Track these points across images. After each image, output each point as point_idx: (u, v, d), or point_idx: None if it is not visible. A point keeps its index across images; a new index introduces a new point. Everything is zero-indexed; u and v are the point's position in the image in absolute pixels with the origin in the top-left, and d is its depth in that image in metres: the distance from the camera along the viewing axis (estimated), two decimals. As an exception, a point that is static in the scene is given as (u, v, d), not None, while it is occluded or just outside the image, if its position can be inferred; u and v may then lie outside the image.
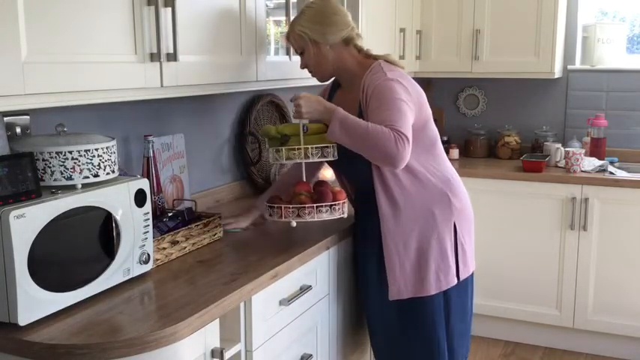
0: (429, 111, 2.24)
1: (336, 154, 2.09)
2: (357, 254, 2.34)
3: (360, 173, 2.19)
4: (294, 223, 2.10)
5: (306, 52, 2.18)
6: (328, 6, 2.18)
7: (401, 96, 2.04)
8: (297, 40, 2.18)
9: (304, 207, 2.07)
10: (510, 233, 3.54)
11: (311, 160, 2.06)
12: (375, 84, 2.08)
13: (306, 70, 2.27)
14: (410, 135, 1.99)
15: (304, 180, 2.18)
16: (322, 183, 2.23)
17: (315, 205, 2.08)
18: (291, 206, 2.08)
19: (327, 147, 2.06)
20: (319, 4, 2.19)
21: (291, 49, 2.50)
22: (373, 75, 2.12)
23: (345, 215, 2.16)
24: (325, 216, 2.09)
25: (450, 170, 2.27)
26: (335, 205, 2.11)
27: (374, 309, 2.29)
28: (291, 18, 2.49)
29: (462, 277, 2.24)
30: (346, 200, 2.19)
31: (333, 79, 2.33)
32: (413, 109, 2.07)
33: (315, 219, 2.08)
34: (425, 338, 2.22)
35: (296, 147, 2.03)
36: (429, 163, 2.19)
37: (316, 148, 2.04)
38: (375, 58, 2.22)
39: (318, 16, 2.15)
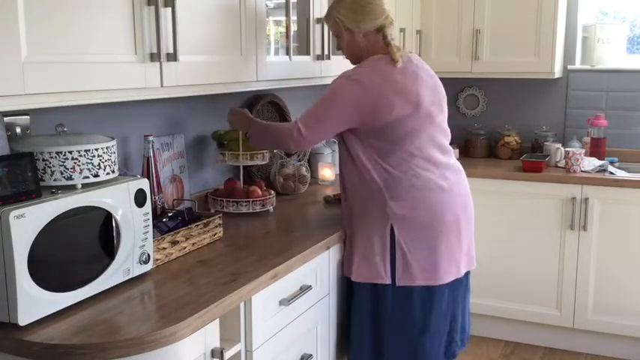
0: (404, 110, 2.13)
1: (266, 158, 2.54)
2: None
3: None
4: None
5: (341, 38, 2.27)
6: None
7: (335, 98, 2.15)
8: (333, 26, 2.28)
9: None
10: (510, 233, 3.53)
11: (242, 164, 2.52)
12: (336, 78, 2.21)
13: (306, 71, 2.28)
14: (307, 130, 2.15)
15: (240, 179, 2.61)
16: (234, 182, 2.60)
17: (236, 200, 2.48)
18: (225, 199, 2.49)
19: (257, 154, 2.52)
20: None
21: (291, 50, 2.51)
22: (355, 68, 2.23)
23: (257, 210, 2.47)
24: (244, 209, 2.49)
25: (411, 173, 2.18)
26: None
27: None
28: (291, 18, 2.50)
29: (400, 282, 2.18)
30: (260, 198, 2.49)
31: None
32: (345, 114, 2.14)
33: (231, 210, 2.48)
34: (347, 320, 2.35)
35: (236, 152, 2.49)
36: (382, 160, 2.17)
37: (250, 154, 2.50)
38: (392, 48, 2.22)
39: (355, 5, 2.20)
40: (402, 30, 3.51)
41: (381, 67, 2.17)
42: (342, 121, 2.16)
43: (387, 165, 2.18)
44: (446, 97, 2.33)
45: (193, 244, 2.03)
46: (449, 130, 2.32)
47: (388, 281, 2.19)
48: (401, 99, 2.13)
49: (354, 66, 2.28)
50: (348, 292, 2.33)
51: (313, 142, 2.25)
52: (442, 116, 2.28)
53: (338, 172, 2.67)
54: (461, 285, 2.31)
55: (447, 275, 2.22)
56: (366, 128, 2.16)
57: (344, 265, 2.31)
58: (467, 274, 2.36)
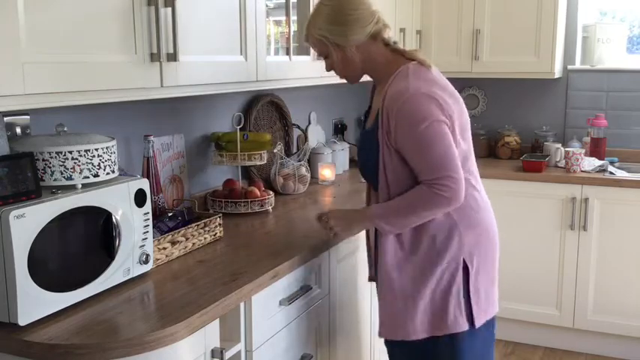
0: (464, 119, 1.89)
1: (264, 158, 2.53)
2: None
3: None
4: None
5: (330, 56, 1.93)
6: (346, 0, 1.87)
7: (431, 124, 1.75)
8: (317, 45, 1.93)
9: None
10: (510, 233, 3.53)
11: (240, 165, 2.52)
12: (398, 103, 1.78)
13: (306, 70, 2.26)
14: (452, 169, 1.76)
15: (239, 179, 2.62)
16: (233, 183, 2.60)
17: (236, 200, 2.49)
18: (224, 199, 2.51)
19: (255, 154, 2.52)
20: None
21: (291, 50, 2.51)
22: (397, 83, 1.82)
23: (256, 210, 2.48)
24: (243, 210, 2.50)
25: (470, 193, 1.89)
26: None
27: None
28: (291, 18, 2.50)
29: (478, 323, 1.91)
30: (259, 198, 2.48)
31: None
32: (448, 129, 1.79)
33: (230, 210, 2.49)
34: None
35: (234, 153, 2.49)
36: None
37: (247, 154, 2.51)
38: (403, 53, 1.93)
39: (337, 15, 1.86)
40: (402, 30, 3.51)
41: (427, 76, 1.85)
42: (448, 136, 1.79)
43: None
44: None
45: (193, 244, 2.03)
46: None
47: (466, 327, 1.88)
48: (458, 106, 1.88)
49: (355, 84, 2.03)
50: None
51: (461, 174, 1.79)
52: None
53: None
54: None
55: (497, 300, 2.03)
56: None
57: (389, 327, 1.93)
58: None
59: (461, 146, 1.86)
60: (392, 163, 1.84)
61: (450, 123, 1.80)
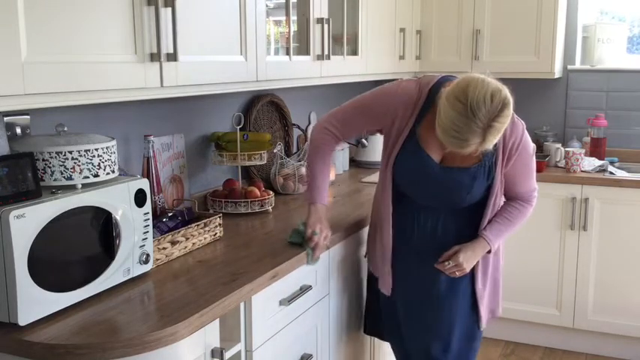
0: None
1: (264, 158, 2.54)
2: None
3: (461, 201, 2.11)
4: None
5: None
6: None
7: (533, 151, 2.10)
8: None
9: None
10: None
11: (240, 165, 2.53)
12: (518, 136, 2.02)
13: (306, 70, 2.25)
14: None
15: (239, 180, 2.61)
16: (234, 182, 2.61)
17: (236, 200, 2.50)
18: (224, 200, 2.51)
19: (254, 154, 2.53)
20: None
21: (291, 50, 2.51)
22: (514, 125, 2.00)
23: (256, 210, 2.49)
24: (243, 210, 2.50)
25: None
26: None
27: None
28: (291, 18, 2.50)
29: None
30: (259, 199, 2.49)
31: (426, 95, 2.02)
32: None
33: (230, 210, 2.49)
34: None
35: (234, 153, 2.51)
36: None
37: (247, 154, 2.52)
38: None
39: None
40: (402, 30, 3.52)
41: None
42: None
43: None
44: None
45: (193, 244, 2.03)
46: None
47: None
48: None
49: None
50: None
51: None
52: None
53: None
54: None
55: None
56: None
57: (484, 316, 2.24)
58: None
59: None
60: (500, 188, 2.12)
61: None
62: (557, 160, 3.66)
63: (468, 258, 2.08)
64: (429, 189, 2.10)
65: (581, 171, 3.46)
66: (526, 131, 2.05)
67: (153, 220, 1.81)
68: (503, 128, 1.81)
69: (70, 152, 1.56)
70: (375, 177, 3.15)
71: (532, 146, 2.08)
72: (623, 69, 3.81)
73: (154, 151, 2.14)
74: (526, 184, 2.12)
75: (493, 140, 1.81)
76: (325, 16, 2.66)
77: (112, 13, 1.64)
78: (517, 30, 3.64)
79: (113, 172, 1.67)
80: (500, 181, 2.08)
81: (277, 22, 2.55)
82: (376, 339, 2.62)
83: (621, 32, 3.87)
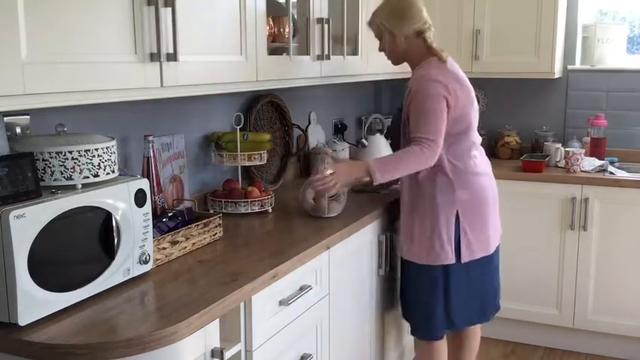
0: (469, 107, 2.47)
1: (264, 158, 2.56)
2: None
3: None
4: None
5: (383, 40, 2.53)
6: (406, 0, 2.50)
7: (432, 97, 2.36)
8: (376, 29, 2.55)
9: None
10: (510, 233, 3.53)
11: (240, 165, 2.55)
12: (417, 83, 2.41)
13: (306, 70, 2.27)
14: (435, 136, 2.35)
15: (239, 180, 2.63)
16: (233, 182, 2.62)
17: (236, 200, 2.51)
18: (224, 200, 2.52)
19: (255, 154, 2.55)
20: None
21: (291, 50, 2.51)
22: (420, 71, 2.45)
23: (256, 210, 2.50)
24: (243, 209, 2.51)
25: (470, 163, 2.48)
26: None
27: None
28: (292, 18, 2.50)
29: (464, 259, 2.49)
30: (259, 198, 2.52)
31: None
32: (445, 107, 2.36)
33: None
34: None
35: (234, 153, 2.52)
36: (448, 153, 2.44)
37: (247, 154, 2.54)
38: (432, 50, 2.47)
39: (397, 11, 2.47)
40: (402, 30, 3.51)
41: (441, 67, 2.43)
42: (443, 113, 2.37)
43: (452, 157, 2.45)
44: None
45: (193, 244, 2.03)
46: None
47: (454, 261, 2.48)
48: (463, 92, 2.44)
49: (397, 66, 2.59)
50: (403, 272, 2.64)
51: (440, 142, 2.38)
52: None
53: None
54: (498, 251, 2.68)
55: (494, 245, 2.60)
56: (450, 119, 2.40)
57: (405, 250, 2.57)
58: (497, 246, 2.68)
59: (469, 117, 2.48)
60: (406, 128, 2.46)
61: (450, 100, 2.37)
62: (557, 160, 3.66)
63: (339, 170, 2.39)
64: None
65: (581, 171, 3.46)
66: (430, 83, 2.37)
67: (153, 220, 1.81)
68: (378, 11, 2.52)
69: (70, 152, 1.56)
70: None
71: (428, 94, 2.36)
72: (623, 69, 3.81)
73: (154, 151, 2.14)
74: (414, 127, 2.38)
75: (371, 19, 2.54)
76: (325, 16, 2.66)
77: (112, 13, 1.64)
78: (517, 30, 3.64)
79: (113, 172, 1.67)
80: (404, 123, 2.48)
81: (277, 22, 2.54)
82: (375, 339, 2.62)
83: (621, 32, 3.86)
